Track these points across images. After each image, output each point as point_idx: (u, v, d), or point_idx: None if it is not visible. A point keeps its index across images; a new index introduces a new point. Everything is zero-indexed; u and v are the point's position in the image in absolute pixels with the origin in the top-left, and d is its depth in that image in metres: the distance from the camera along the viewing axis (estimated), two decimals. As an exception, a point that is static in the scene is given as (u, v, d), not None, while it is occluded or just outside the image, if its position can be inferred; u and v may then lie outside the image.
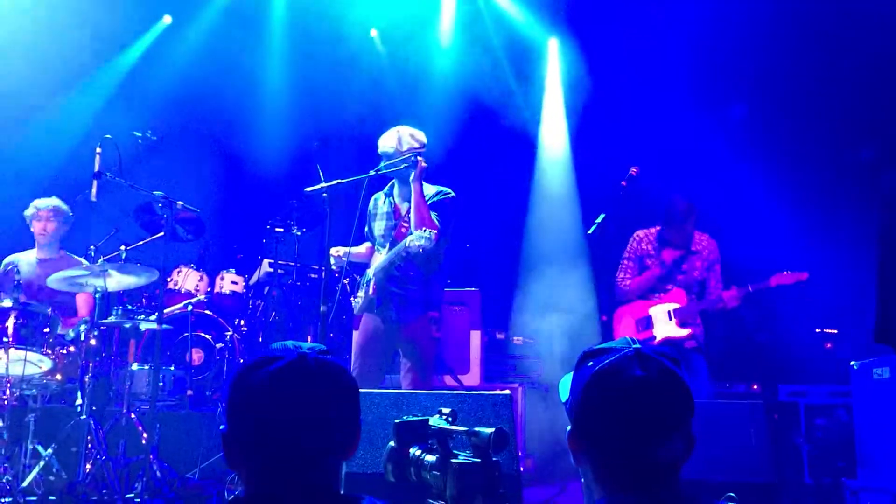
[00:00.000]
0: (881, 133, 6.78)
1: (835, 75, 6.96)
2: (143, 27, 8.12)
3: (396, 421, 2.48)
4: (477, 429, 2.41)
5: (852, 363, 5.33)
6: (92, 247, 6.42)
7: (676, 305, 5.60)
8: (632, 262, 5.79)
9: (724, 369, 6.75)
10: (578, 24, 7.64)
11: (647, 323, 5.67)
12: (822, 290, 6.52)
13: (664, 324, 5.59)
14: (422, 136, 4.90)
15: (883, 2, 6.44)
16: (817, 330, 7.44)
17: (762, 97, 7.46)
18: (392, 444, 2.51)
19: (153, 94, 8.01)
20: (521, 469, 6.23)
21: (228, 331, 6.70)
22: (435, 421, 2.54)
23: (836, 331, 7.40)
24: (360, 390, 3.52)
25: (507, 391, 3.98)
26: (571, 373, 1.77)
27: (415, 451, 2.45)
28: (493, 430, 2.36)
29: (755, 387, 6.92)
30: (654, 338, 5.60)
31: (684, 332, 5.57)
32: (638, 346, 1.66)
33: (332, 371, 1.62)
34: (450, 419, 2.61)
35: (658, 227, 5.78)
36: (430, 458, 2.38)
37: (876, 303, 3.75)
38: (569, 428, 1.71)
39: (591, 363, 1.67)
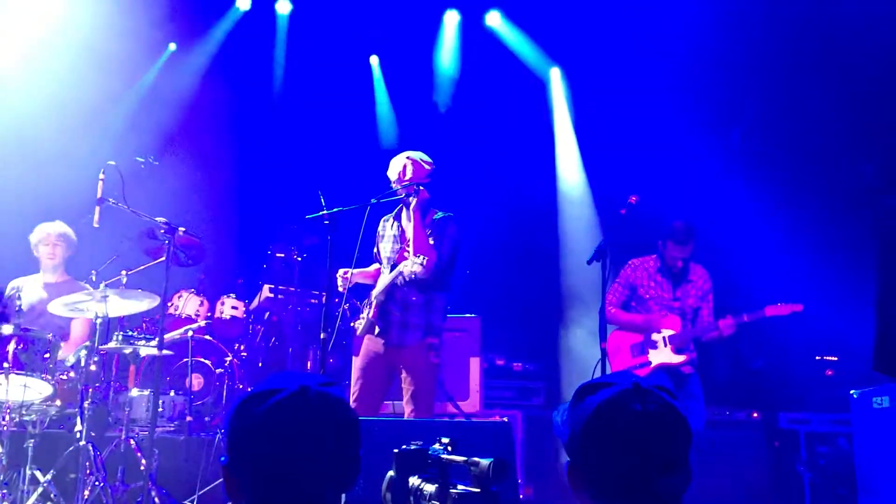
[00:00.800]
0: (879, 158, 6.81)
1: (832, 100, 7.00)
2: (149, 55, 8.17)
3: (396, 450, 2.48)
4: (476, 458, 2.42)
5: (852, 392, 5.32)
6: (93, 272, 6.44)
7: (672, 332, 5.65)
8: (621, 288, 5.84)
9: (724, 397, 6.74)
10: (577, 54, 7.71)
11: (643, 348, 5.69)
12: (822, 317, 6.52)
13: (660, 349, 5.64)
14: (427, 163, 4.93)
15: (881, 24, 6.48)
16: (817, 357, 7.43)
17: (760, 124, 7.50)
18: (391, 473, 2.51)
19: (157, 120, 8.06)
20: (521, 496, 6.22)
21: (228, 356, 6.69)
22: (434, 450, 2.54)
23: (836, 358, 7.39)
24: (360, 418, 3.52)
25: (506, 419, 4.01)
26: (564, 406, 1.78)
27: (414, 481, 2.45)
28: (492, 459, 2.36)
29: (755, 415, 6.89)
30: (650, 363, 5.64)
31: (679, 358, 5.62)
32: (636, 380, 1.68)
33: (334, 403, 1.63)
34: (449, 448, 2.61)
35: (654, 256, 5.81)
36: (430, 487, 2.38)
37: (874, 332, 3.77)
38: (567, 461, 1.72)
39: (589, 398, 1.68)
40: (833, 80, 6.96)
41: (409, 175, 4.85)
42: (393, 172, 4.92)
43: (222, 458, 1.65)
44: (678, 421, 1.65)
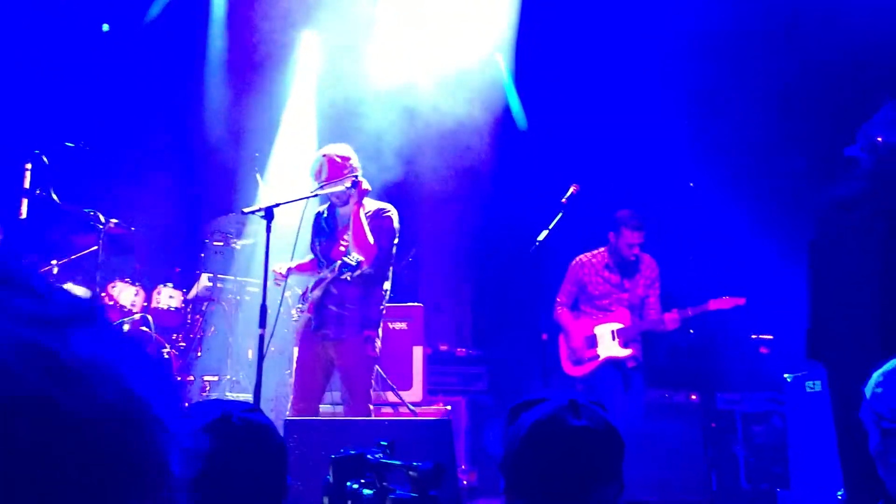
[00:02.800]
0: (812, 144, 6.97)
1: (766, 87, 7.13)
2: (79, 36, 7.88)
3: (333, 456, 2.44)
4: (415, 463, 2.39)
5: (786, 376, 5.46)
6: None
7: (620, 326, 5.72)
8: (570, 286, 5.91)
9: (663, 380, 6.84)
10: (527, 37, 7.67)
11: (592, 341, 5.75)
12: (758, 296, 6.67)
13: (608, 343, 5.71)
14: (341, 158, 4.80)
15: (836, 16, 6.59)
16: (753, 336, 7.59)
17: (699, 110, 7.59)
18: (329, 477, 2.47)
19: (89, 105, 7.80)
20: (465, 482, 6.24)
21: (166, 347, 6.55)
22: (372, 455, 2.51)
23: (771, 336, 7.56)
24: (297, 418, 3.46)
25: (448, 418, 3.98)
26: (498, 423, 1.77)
27: (352, 486, 2.42)
28: (431, 464, 2.34)
29: (693, 396, 7.02)
30: (598, 356, 5.72)
31: (626, 351, 5.72)
32: (571, 396, 1.68)
33: (258, 430, 1.58)
34: (387, 451, 2.58)
35: (602, 250, 5.85)
36: (368, 492, 2.35)
37: (808, 320, 3.84)
38: (502, 480, 1.70)
39: (524, 415, 1.66)
40: (776, 70, 7.07)
41: (324, 175, 4.75)
42: (312, 172, 4.81)
43: None
44: (612, 434, 1.66)
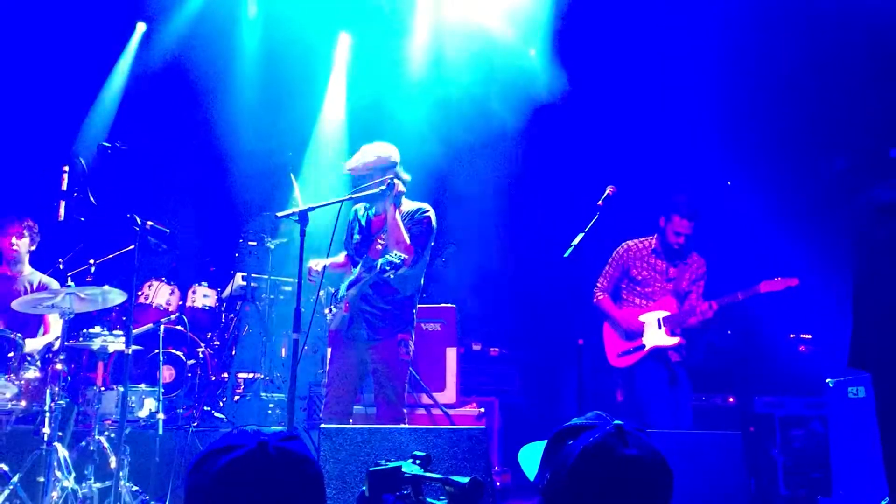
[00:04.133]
0: (849, 150, 6.84)
1: (814, 87, 6.99)
2: (117, 37, 7.94)
3: (370, 469, 2.42)
4: (453, 478, 2.36)
5: (828, 381, 5.34)
6: (60, 260, 6.30)
7: (667, 313, 5.57)
8: (612, 270, 5.75)
9: (700, 382, 6.75)
10: (559, 38, 7.60)
11: (638, 330, 5.60)
12: (796, 296, 6.55)
13: (654, 332, 5.55)
14: (395, 154, 4.79)
15: (865, 18, 6.45)
16: (791, 335, 7.47)
17: (741, 106, 7.47)
18: (364, 489, 2.45)
19: (126, 105, 7.87)
20: (499, 484, 6.22)
21: (200, 346, 6.60)
22: (408, 467, 2.48)
23: (810, 336, 7.43)
24: (332, 427, 3.45)
25: (483, 423, 3.95)
26: (534, 446, 1.74)
27: (388, 499, 2.40)
28: (468, 479, 2.31)
29: (731, 399, 6.92)
30: (643, 346, 5.55)
31: (673, 340, 5.53)
32: (618, 422, 1.64)
33: (295, 460, 1.54)
34: (424, 464, 2.55)
35: (651, 238, 5.72)
36: (403, 505, 2.33)
37: (851, 328, 3.75)
38: None
39: (571, 442, 1.63)
40: (815, 71, 6.94)
41: (375, 165, 4.70)
42: (363, 165, 4.75)
43: None
44: (663, 463, 1.63)
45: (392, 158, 4.76)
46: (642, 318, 5.62)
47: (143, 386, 5.83)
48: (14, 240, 5.88)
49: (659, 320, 5.55)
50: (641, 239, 5.76)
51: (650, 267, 5.67)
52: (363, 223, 4.92)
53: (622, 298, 5.78)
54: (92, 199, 5.26)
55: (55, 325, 5.78)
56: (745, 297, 5.46)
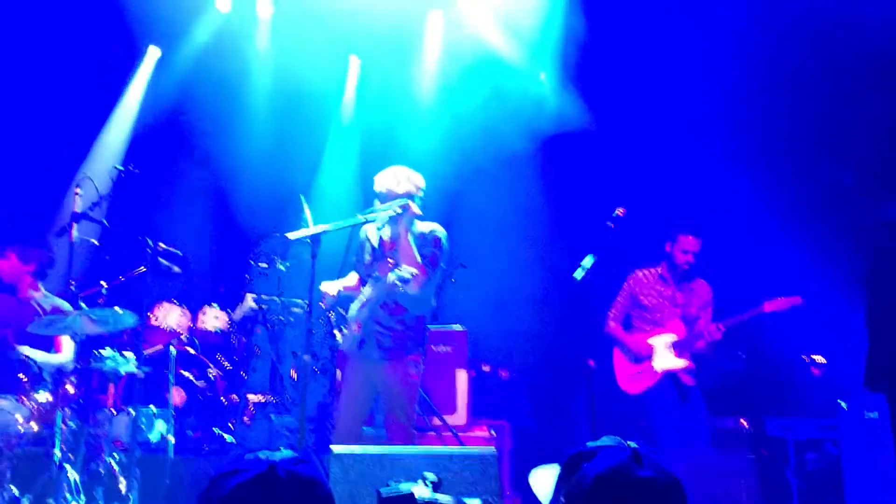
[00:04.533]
0: (856, 165, 6.82)
1: (818, 102, 6.99)
2: (130, 61, 8.02)
3: (383, 495, 2.41)
4: (464, 500, 2.35)
5: (841, 403, 5.30)
6: (72, 282, 6.32)
7: (675, 337, 5.63)
8: (622, 300, 5.87)
9: (711, 405, 6.70)
10: (568, 61, 7.64)
11: (648, 354, 5.66)
12: (807, 316, 6.51)
13: (663, 355, 5.61)
14: (419, 180, 4.83)
15: (873, 28, 6.45)
16: (803, 357, 7.42)
17: (751, 126, 7.46)
18: (377, 513, 2.44)
19: (138, 128, 7.94)
20: (510, 507, 6.17)
21: (211, 368, 6.60)
22: (420, 490, 2.47)
23: (823, 359, 7.37)
24: (344, 448, 3.43)
25: (494, 446, 3.90)
26: (546, 469, 1.74)
27: (400, 523, 2.39)
28: (479, 501, 2.30)
29: (743, 422, 6.87)
30: (653, 370, 5.58)
31: (682, 362, 5.58)
32: (633, 444, 1.65)
33: (304, 483, 1.54)
34: (435, 487, 2.54)
35: (658, 267, 5.81)
36: (415, 529, 2.32)
37: (866, 350, 3.73)
38: None
39: (585, 465, 1.63)
40: (818, 82, 6.94)
41: (402, 190, 4.73)
42: (382, 186, 4.80)
43: None
44: (676, 486, 1.63)
45: (419, 187, 4.80)
46: (651, 341, 5.67)
47: (153, 408, 5.84)
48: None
49: (667, 344, 5.60)
50: (650, 268, 5.89)
51: (658, 294, 5.76)
52: (375, 244, 4.94)
53: (633, 326, 5.87)
54: (105, 221, 5.29)
55: (67, 346, 5.80)
56: (750, 317, 5.50)
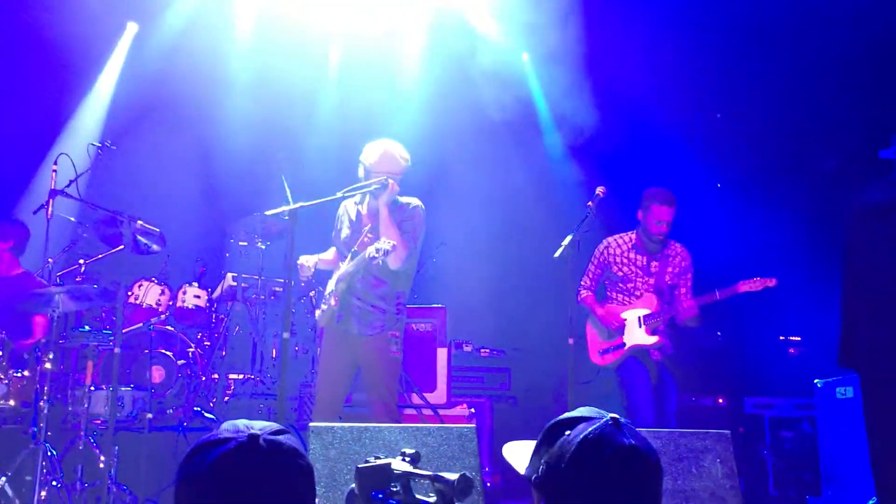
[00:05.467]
0: (845, 144, 6.86)
1: (803, 85, 7.02)
2: (107, 37, 7.91)
3: (359, 465, 2.41)
4: (441, 474, 2.36)
5: (816, 381, 5.37)
6: (50, 259, 6.27)
7: (647, 311, 5.52)
8: (594, 268, 5.70)
9: (690, 383, 6.77)
10: (551, 39, 7.61)
11: (620, 328, 5.55)
12: (784, 298, 6.57)
13: (634, 330, 5.51)
14: (405, 158, 4.81)
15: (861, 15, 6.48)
16: (781, 337, 7.51)
17: (732, 105, 7.50)
18: (353, 487, 2.45)
19: (116, 104, 7.85)
20: (489, 484, 6.22)
21: (191, 346, 6.58)
22: (397, 464, 2.47)
23: (799, 338, 7.47)
24: (323, 424, 3.44)
25: (472, 422, 3.93)
26: (521, 443, 1.76)
27: (377, 496, 2.39)
28: (457, 476, 2.30)
29: (721, 400, 6.95)
30: (624, 345, 5.50)
31: (653, 339, 5.47)
32: (614, 415, 1.67)
33: (286, 454, 1.55)
34: (413, 461, 2.55)
35: (631, 234, 5.67)
36: (393, 502, 2.33)
37: (840, 328, 3.77)
38: (539, 500, 1.68)
39: (568, 432, 1.65)
40: (804, 68, 6.97)
41: (383, 167, 4.71)
42: (368, 158, 4.77)
43: None
44: (655, 455, 1.66)
45: (403, 162, 4.78)
46: (624, 315, 5.58)
47: (132, 387, 5.82)
48: None
49: (639, 318, 5.51)
50: (622, 234, 5.71)
51: (630, 262, 5.61)
52: (353, 217, 4.91)
53: (606, 296, 5.74)
54: (80, 199, 5.24)
55: (42, 327, 5.76)
56: (724, 297, 5.37)
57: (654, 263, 5.61)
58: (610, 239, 5.72)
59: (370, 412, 4.73)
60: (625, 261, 5.62)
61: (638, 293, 5.59)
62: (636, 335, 5.50)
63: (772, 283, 5.36)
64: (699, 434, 3.73)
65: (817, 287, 6.14)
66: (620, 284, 5.64)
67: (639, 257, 5.61)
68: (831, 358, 4.25)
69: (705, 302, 5.39)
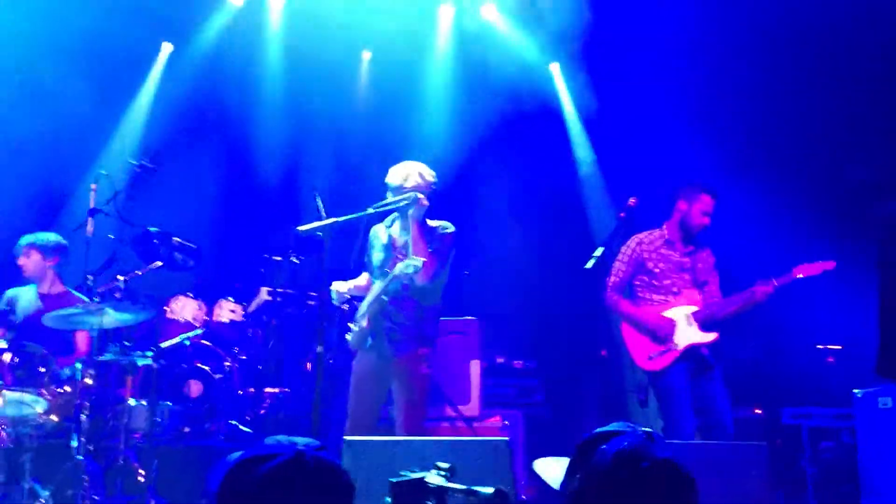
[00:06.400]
0: (865, 156, 6.78)
1: (829, 95, 6.96)
2: (144, 56, 8.07)
3: (392, 480, 2.43)
4: (476, 488, 2.37)
5: (856, 391, 5.29)
6: (89, 276, 6.39)
7: (694, 308, 5.20)
8: (624, 266, 5.34)
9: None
10: (580, 50, 7.63)
11: (666, 329, 5.18)
12: (822, 305, 6.48)
13: (685, 329, 5.15)
14: (431, 175, 4.87)
15: (879, 22, 6.42)
16: (819, 346, 7.39)
17: (767, 112, 7.43)
18: (388, 500, 2.47)
19: (153, 122, 8.00)
20: (523, 497, 6.20)
21: (227, 360, 6.66)
22: (432, 478, 2.49)
23: (838, 346, 7.35)
24: (355, 438, 3.47)
25: (506, 435, 3.92)
26: (553, 459, 1.77)
27: (412, 511, 2.41)
28: (493, 490, 2.31)
29: (757, 411, 6.87)
30: (677, 346, 5.13)
31: (711, 336, 5.12)
32: (647, 429, 1.68)
33: (330, 470, 1.58)
34: (448, 475, 2.56)
35: (659, 231, 5.43)
36: (428, 518, 2.34)
37: (879, 338, 3.73)
38: None
39: (603, 446, 1.66)
40: (829, 77, 6.91)
41: (412, 184, 4.76)
42: (394, 179, 4.83)
43: None
44: (689, 471, 1.66)
45: (430, 182, 4.83)
46: (668, 314, 5.24)
47: (169, 403, 5.92)
48: (22, 260, 5.98)
49: (688, 316, 5.19)
50: (649, 231, 5.43)
51: (665, 258, 5.31)
52: (385, 241, 4.96)
53: (637, 296, 5.39)
54: (119, 217, 5.35)
55: (84, 343, 5.88)
56: (781, 285, 5.09)
57: (685, 259, 5.36)
58: (640, 236, 5.42)
59: (398, 429, 4.74)
60: (659, 257, 5.32)
61: (676, 290, 5.28)
62: (690, 334, 5.15)
63: (830, 265, 5.08)
64: (734, 447, 3.70)
65: (855, 294, 6.06)
66: (656, 283, 5.32)
67: (672, 253, 5.34)
68: (870, 367, 4.20)
69: (763, 292, 5.10)
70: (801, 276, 5.10)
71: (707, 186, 5.30)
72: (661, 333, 5.17)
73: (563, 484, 1.76)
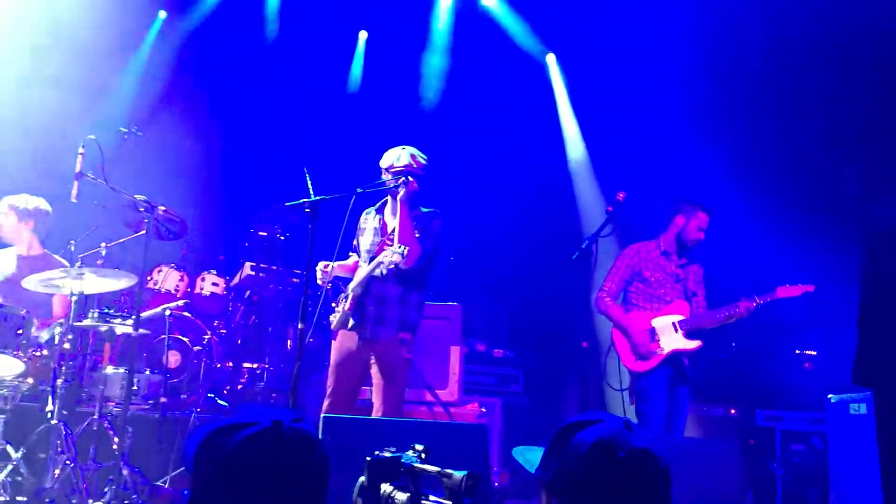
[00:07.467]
0: (862, 160, 6.81)
1: (824, 98, 6.98)
2: (139, 23, 7.99)
3: (368, 458, 2.44)
4: (449, 470, 2.38)
5: (829, 396, 5.34)
6: (72, 241, 6.34)
7: (681, 317, 5.49)
8: (620, 273, 5.62)
9: (701, 392, 6.75)
10: (575, 40, 7.62)
11: (653, 334, 5.49)
12: (802, 312, 6.53)
13: (671, 335, 5.45)
14: (423, 159, 4.89)
15: (876, 24, 6.43)
16: (797, 351, 7.46)
17: (755, 116, 7.46)
18: (363, 479, 2.47)
19: (143, 90, 7.93)
20: (497, 484, 6.23)
21: (207, 333, 6.64)
22: (407, 458, 2.50)
23: (815, 352, 7.42)
24: (334, 416, 3.46)
25: (483, 420, 3.94)
26: (530, 448, 1.78)
27: (385, 489, 2.42)
28: (465, 473, 2.32)
29: (733, 411, 6.93)
30: (663, 350, 5.42)
31: (695, 343, 5.43)
32: (624, 418, 1.69)
33: (306, 441, 1.59)
34: (423, 456, 2.57)
35: (654, 242, 5.69)
36: (401, 496, 2.35)
37: (856, 345, 3.75)
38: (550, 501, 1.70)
39: (579, 435, 1.67)
40: (824, 78, 6.92)
41: (401, 164, 4.78)
42: (386, 162, 4.85)
43: (185, 492, 1.61)
44: (665, 462, 1.68)
45: (421, 165, 4.82)
46: (654, 322, 5.51)
47: (147, 371, 5.89)
48: (0, 219, 5.93)
49: (674, 323, 5.47)
50: (646, 242, 5.71)
51: (661, 268, 5.60)
52: (376, 226, 4.96)
53: (630, 302, 5.65)
54: (105, 183, 5.30)
55: (62, 308, 5.84)
56: (764, 303, 5.38)
57: (679, 270, 5.65)
58: (638, 245, 5.71)
59: (375, 412, 4.75)
60: (655, 267, 5.61)
61: (669, 299, 5.57)
62: (675, 340, 5.44)
63: (810, 288, 5.36)
64: (707, 443, 3.73)
65: (835, 302, 6.10)
66: (650, 291, 5.60)
67: (668, 264, 5.63)
68: (846, 374, 4.23)
69: (746, 307, 5.37)
70: (782, 296, 5.39)
71: (704, 204, 5.63)
72: (643, 350, 5.45)
73: (540, 469, 1.77)
